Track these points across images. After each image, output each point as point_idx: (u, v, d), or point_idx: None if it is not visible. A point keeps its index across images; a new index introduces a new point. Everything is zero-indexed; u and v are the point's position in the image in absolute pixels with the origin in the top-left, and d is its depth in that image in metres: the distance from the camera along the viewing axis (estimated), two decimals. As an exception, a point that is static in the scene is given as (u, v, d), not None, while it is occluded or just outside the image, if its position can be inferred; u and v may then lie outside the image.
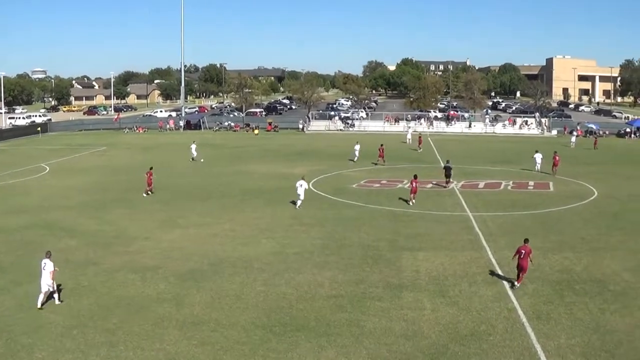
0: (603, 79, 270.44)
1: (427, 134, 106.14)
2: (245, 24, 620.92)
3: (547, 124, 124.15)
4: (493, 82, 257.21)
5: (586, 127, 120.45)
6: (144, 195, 51.61)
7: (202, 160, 73.25)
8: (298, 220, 42.24)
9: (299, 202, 45.85)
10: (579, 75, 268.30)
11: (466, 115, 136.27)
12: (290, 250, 34.71)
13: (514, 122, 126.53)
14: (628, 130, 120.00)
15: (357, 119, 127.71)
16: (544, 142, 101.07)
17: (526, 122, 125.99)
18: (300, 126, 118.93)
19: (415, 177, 47.83)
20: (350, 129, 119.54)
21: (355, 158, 72.18)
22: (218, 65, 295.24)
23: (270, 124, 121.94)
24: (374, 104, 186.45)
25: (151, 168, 54.26)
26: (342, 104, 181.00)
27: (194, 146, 75.32)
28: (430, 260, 32.95)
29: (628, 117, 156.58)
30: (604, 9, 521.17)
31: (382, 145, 70.61)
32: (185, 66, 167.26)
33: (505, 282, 29.48)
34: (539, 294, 28.13)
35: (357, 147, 73.42)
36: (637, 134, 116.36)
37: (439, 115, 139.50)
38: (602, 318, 25.49)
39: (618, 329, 24.44)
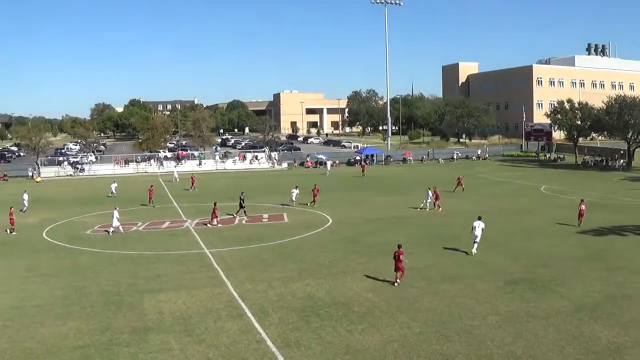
0: (331, 110, 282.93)
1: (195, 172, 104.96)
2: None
3: (277, 158, 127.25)
4: (221, 119, 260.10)
5: (316, 158, 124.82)
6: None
7: None
8: (34, 272, 40.22)
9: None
10: (306, 109, 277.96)
11: (196, 153, 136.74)
12: (30, 304, 32.94)
13: (244, 158, 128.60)
14: (357, 158, 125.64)
15: (86, 163, 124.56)
16: (276, 176, 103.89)
17: (256, 157, 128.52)
18: (30, 173, 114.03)
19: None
20: (80, 173, 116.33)
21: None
22: None
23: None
24: (102, 147, 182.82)
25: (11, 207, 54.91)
26: (71, 148, 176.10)
27: None
28: (173, 300, 32.62)
29: (357, 145, 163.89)
30: (327, 45, 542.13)
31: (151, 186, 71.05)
32: None
33: (250, 315, 29.73)
34: (285, 322, 28.64)
35: (114, 184, 79.47)
36: (367, 162, 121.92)
37: (169, 155, 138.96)
38: (351, 339, 26.43)
39: (368, 347, 25.47)
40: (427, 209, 62.08)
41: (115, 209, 54.75)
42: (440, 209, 61.74)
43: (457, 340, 25.99)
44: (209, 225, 55.24)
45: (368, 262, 40.58)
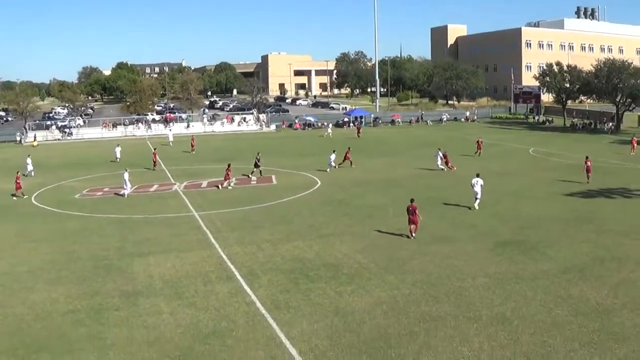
0: (319, 72, 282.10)
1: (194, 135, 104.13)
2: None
3: (265, 120, 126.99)
4: (209, 81, 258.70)
5: (304, 120, 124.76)
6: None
7: None
8: (24, 237, 40.09)
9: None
10: (295, 71, 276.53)
11: (184, 116, 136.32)
12: (21, 269, 32.81)
13: (232, 120, 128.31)
14: (346, 120, 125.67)
15: (74, 127, 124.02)
16: (264, 138, 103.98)
17: (244, 119, 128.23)
18: (18, 138, 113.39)
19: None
20: (68, 137, 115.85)
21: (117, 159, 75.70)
22: None
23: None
24: (90, 110, 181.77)
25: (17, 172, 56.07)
26: (59, 112, 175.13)
27: None
28: (162, 264, 32.61)
29: (346, 107, 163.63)
30: (315, 6, 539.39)
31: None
32: None
33: (239, 277, 29.83)
34: (275, 284, 28.72)
35: (118, 148, 78.55)
36: (355, 124, 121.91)
37: (157, 117, 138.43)
38: (340, 300, 26.52)
39: (358, 308, 25.55)
40: (444, 169, 62.73)
41: (126, 170, 54.88)
42: (455, 169, 62.55)
43: (446, 302, 26.09)
44: (220, 187, 55.37)
45: (357, 224, 40.68)
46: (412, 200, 37.37)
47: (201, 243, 36.76)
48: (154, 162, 68.99)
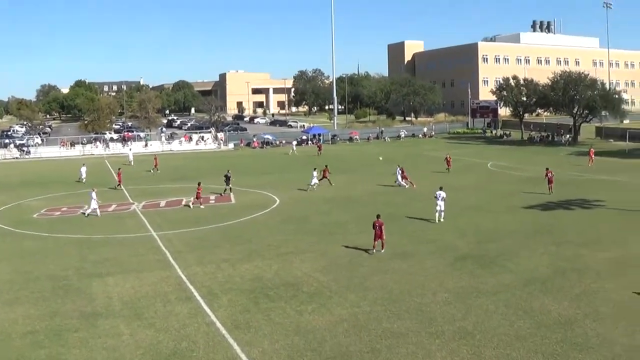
0: (277, 90, 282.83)
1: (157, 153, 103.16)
2: None
3: (223, 138, 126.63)
4: (167, 100, 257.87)
5: (262, 138, 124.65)
6: None
7: None
8: (-21, 257, 39.56)
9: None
10: (252, 89, 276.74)
11: (142, 135, 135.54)
12: (-23, 290, 32.40)
13: (190, 139, 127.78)
14: (304, 138, 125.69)
15: (32, 146, 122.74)
16: (222, 156, 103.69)
17: (202, 137, 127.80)
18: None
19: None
20: (27, 155, 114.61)
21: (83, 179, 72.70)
22: None
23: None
24: (48, 129, 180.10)
25: None
26: (17, 130, 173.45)
27: None
28: (121, 284, 32.17)
29: (304, 125, 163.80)
30: (273, 24, 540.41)
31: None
32: None
33: (199, 297, 29.49)
34: (235, 304, 28.44)
35: (84, 168, 74.77)
36: (314, 141, 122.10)
37: (115, 136, 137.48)
38: (301, 319, 26.32)
39: (319, 327, 25.38)
40: (406, 186, 62.71)
41: (93, 190, 53.97)
42: (415, 186, 62.40)
43: (408, 318, 26.03)
44: (191, 205, 55.03)
45: (316, 242, 40.52)
46: (378, 216, 37.55)
47: (160, 263, 36.33)
48: (119, 181, 67.97)
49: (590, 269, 32.59)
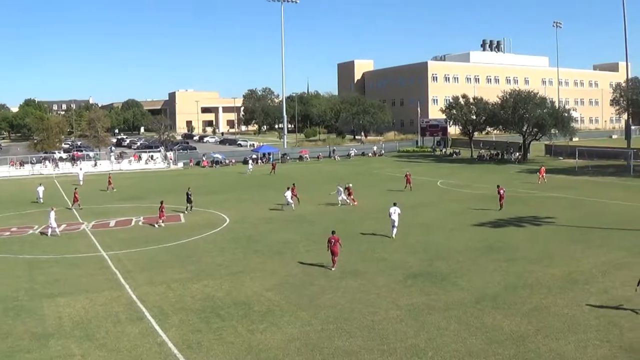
0: (226, 109, 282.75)
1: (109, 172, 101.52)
2: None
3: (172, 157, 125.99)
4: (117, 119, 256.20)
5: (212, 158, 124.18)
6: None
7: None
8: None
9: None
10: (202, 108, 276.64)
11: (91, 154, 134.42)
12: None
13: (140, 158, 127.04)
14: (254, 157, 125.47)
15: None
16: (171, 175, 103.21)
17: (152, 156, 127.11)
18: None
19: None
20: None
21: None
22: None
23: None
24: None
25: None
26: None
27: None
28: (72, 305, 31.82)
29: (253, 144, 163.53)
30: (222, 43, 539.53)
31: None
32: None
33: (150, 317, 29.30)
34: (186, 324, 28.33)
35: (41, 188, 72.90)
36: (264, 160, 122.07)
37: (64, 156, 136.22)
38: (253, 339, 26.28)
39: (271, 346, 25.38)
40: (340, 205, 62.69)
41: (52, 209, 53.30)
42: (356, 203, 62.76)
43: (360, 336, 26.11)
44: (155, 225, 54.62)
45: (267, 261, 40.55)
46: (333, 232, 38.36)
47: (111, 283, 36.01)
48: (75, 199, 66.90)
49: (541, 284, 33.04)
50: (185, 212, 60.64)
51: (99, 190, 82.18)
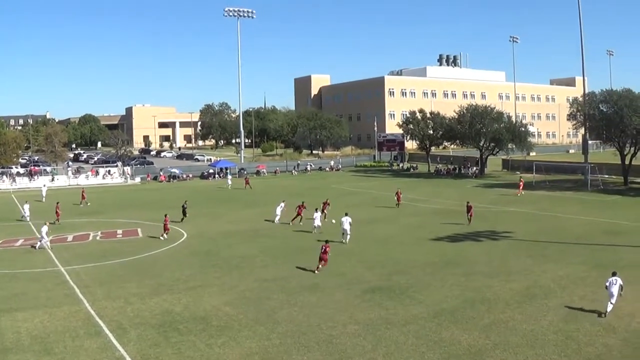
0: (183, 124, 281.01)
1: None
2: None
3: (130, 172, 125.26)
4: (74, 133, 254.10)
5: (169, 172, 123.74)
6: None
7: None
8: None
9: None
10: (159, 122, 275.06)
11: (48, 169, 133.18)
12: None
13: (97, 173, 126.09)
14: (212, 171, 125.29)
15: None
16: (129, 190, 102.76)
17: (109, 171, 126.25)
18: None
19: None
20: None
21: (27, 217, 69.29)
22: None
23: None
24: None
25: None
26: None
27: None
28: (30, 319, 31.64)
29: (211, 159, 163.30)
30: (179, 58, 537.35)
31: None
32: None
33: (108, 332, 29.24)
34: (144, 338, 28.34)
35: (27, 205, 70.99)
36: (221, 175, 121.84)
37: (22, 170, 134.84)
38: (211, 353, 26.39)
39: (229, 360, 25.41)
40: (276, 222, 62.17)
41: (45, 224, 53.19)
42: (300, 222, 61.90)
43: (318, 350, 26.32)
44: (161, 237, 54.48)
45: (225, 275, 40.69)
46: (326, 241, 41.81)
47: (69, 298, 35.83)
48: (57, 216, 66.24)
49: (499, 299, 33.46)
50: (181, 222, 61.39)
51: (72, 204, 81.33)
